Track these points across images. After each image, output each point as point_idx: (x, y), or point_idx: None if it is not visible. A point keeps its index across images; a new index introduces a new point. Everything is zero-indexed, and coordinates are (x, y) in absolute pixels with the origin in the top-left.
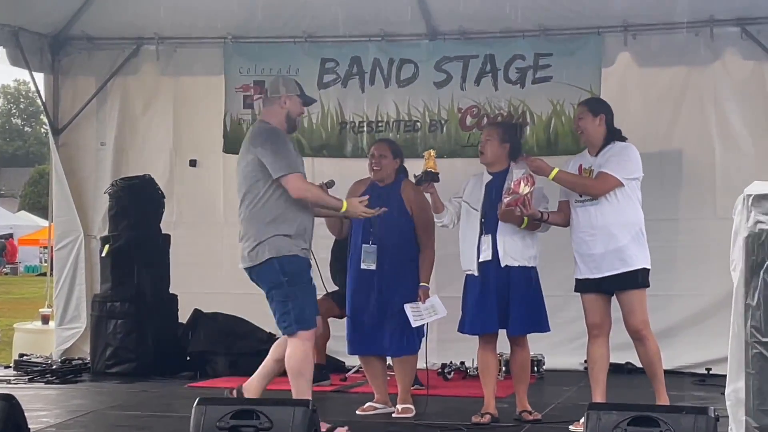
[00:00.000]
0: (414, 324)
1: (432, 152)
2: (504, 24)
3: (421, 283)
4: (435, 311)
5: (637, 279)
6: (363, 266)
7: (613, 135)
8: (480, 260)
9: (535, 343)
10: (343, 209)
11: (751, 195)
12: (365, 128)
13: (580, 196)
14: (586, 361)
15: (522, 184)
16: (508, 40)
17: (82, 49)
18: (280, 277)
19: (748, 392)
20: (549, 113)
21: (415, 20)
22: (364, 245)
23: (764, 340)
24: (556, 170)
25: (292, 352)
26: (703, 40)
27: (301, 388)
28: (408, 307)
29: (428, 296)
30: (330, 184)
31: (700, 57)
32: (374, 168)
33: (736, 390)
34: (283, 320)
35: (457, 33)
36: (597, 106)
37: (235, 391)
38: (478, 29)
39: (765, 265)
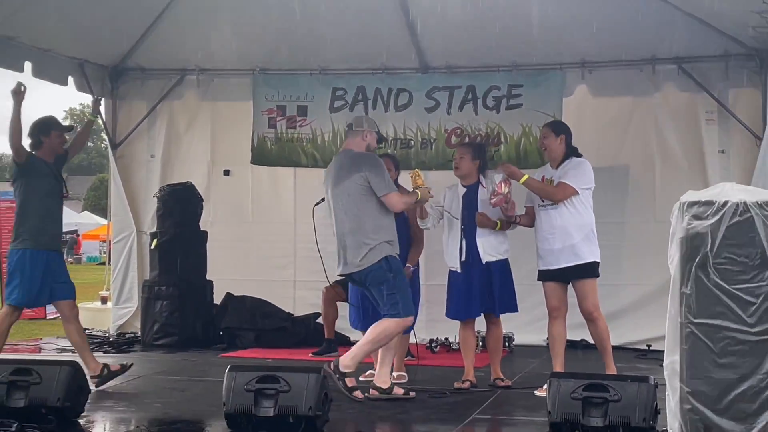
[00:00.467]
0: None
1: (418, 171)
2: (483, 60)
3: (407, 264)
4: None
5: (589, 270)
6: None
7: (571, 152)
8: (462, 260)
9: (506, 323)
10: (419, 197)
11: (685, 202)
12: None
13: (543, 201)
14: (547, 339)
15: (503, 186)
16: (487, 74)
17: (136, 78)
18: (387, 274)
19: (682, 364)
20: (519, 134)
21: (410, 57)
22: None
23: (696, 321)
24: (526, 176)
25: (387, 324)
26: (646, 75)
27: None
28: None
29: (409, 272)
30: None
31: (644, 89)
32: None
33: (672, 362)
34: (394, 309)
35: (444, 68)
36: (558, 128)
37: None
38: (462, 65)
39: (696, 260)
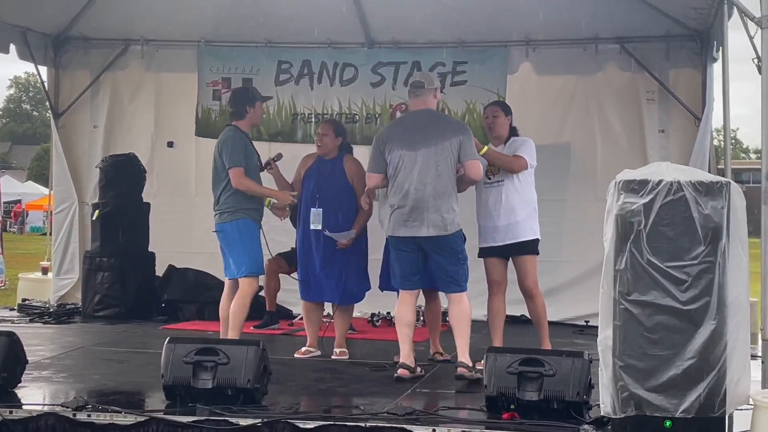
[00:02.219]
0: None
1: None
2: (429, 37)
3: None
4: (340, 236)
5: (530, 247)
6: (312, 227)
7: (513, 131)
8: None
9: (446, 298)
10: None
11: (620, 180)
12: (313, 119)
13: (489, 178)
14: (487, 314)
15: None
16: (432, 50)
17: (79, 47)
18: (461, 243)
19: (615, 339)
20: (464, 111)
21: (356, 31)
22: (312, 209)
23: (630, 298)
24: (486, 147)
25: (466, 304)
26: (589, 54)
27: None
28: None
29: (350, 235)
30: (278, 157)
31: (587, 68)
32: (317, 144)
33: (605, 338)
34: (463, 280)
35: (390, 43)
36: (507, 108)
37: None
38: (408, 40)
39: (631, 237)
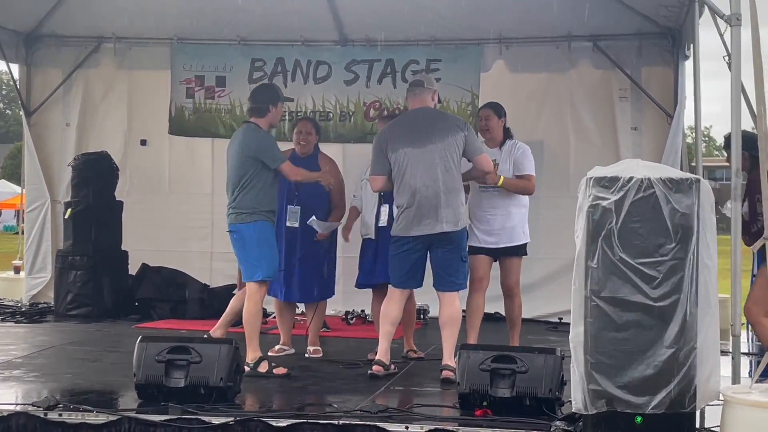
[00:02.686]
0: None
1: None
2: (402, 34)
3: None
4: (318, 226)
5: (520, 249)
6: (288, 224)
7: (507, 133)
8: (378, 225)
9: (421, 296)
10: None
11: (591, 177)
12: (287, 117)
13: (485, 182)
14: (464, 311)
15: None
16: (406, 48)
17: (51, 45)
18: (466, 240)
19: (587, 336)
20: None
21: (330, 29)
22: (289, 206)
23: (600, 294)
24: (502, 178)
25: (458, 306)
26: (562, 52)
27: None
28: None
29: (333, 226)
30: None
31: (560, 66)
32: (301, 143)
33: (577, 334)
34: (462, 278)
35: (363, 41)
36: (500, 110)
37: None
38: (381, 38)
39: (602, 234)
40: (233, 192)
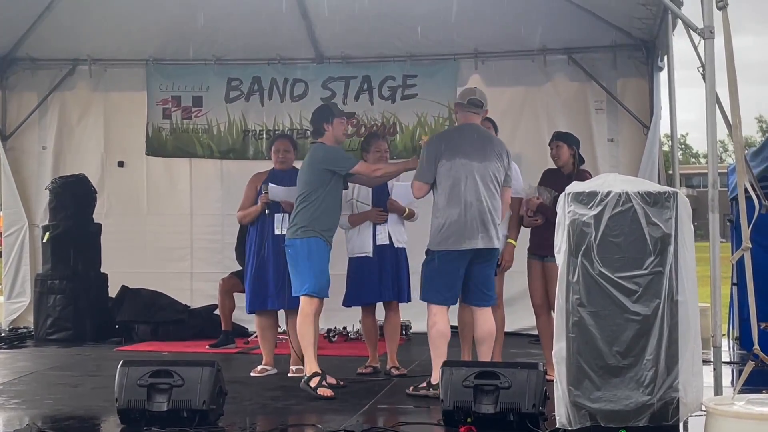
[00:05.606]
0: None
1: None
2: (378, 51)
3: None
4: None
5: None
6: (276, 232)
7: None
8: (378, 244)
9: (404, 311)
10: None
11: (570, 192)
12: (264, 135)
13: None
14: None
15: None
16: (382, 64)
17: (26, 68)
18: None
19: (569, 350)
20: (414, 124)
21: (306, 47)
22: (276, 214)
23: (581, 309)
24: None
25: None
26: (537, 65)
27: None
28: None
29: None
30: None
31: (535, 79)
32: (280, 160)
33: (560, 349)
34: (495, 293)
35: (339, 58)
36: (495, 126)
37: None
38: (357, 55)
39: (582, 249)
40: (294, 208)
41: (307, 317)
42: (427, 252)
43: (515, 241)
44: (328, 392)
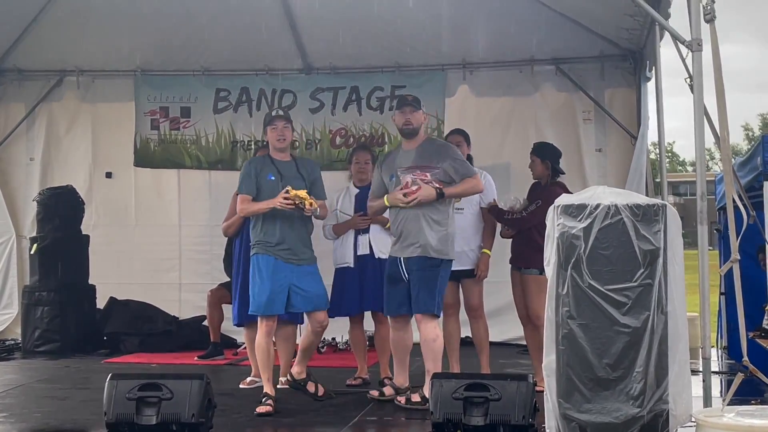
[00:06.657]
0: None
1: (289, 188)
2: (366, 62)
3: None
4: None
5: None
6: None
7: (469, 159)
8: (358, 254)
9: None
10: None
11: (559, 205)
12: (253, 146)
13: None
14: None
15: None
16: (370, 75)
17: (13, 79)
18: None
19: (559, 363)
20: None
21: (294, 58)
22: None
23: (571, 321)
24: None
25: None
26: (525, 75)
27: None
28: None
29: None
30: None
31: (523, 89)
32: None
33: (549, 362)
34: None
35: (328, 69)
36: (467, 137)
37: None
38: (346, 66)
39: (572, 262)
40: None
41: (254, 340)
42: (438, 262)
43: (489, 251)
44: (263, 409)
